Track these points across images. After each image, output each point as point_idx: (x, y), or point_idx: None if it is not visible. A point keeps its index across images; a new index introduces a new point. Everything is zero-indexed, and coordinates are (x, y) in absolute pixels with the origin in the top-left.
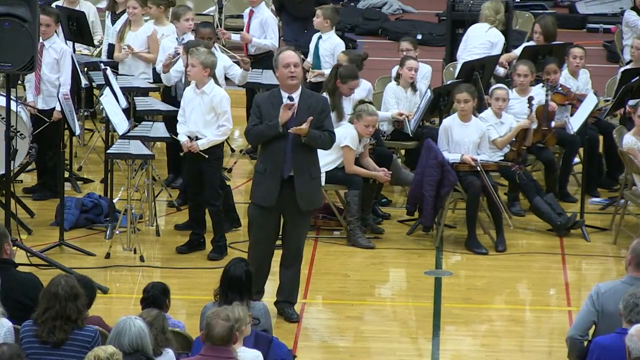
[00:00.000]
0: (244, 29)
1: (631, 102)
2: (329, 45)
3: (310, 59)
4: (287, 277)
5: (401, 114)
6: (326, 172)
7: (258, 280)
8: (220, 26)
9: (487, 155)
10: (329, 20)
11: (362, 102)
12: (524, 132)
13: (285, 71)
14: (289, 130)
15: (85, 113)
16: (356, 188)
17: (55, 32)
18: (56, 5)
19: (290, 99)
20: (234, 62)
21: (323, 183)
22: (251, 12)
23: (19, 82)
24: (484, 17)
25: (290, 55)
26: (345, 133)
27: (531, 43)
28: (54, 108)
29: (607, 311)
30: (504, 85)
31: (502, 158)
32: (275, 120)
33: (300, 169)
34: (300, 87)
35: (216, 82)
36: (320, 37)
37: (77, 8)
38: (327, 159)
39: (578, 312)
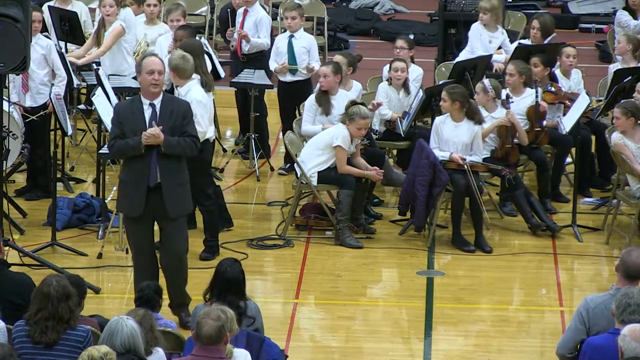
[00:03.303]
0: (238, 28)
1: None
2: (306, 43)
3: (284, 59)
4: (174, 287)
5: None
6: (319, 172)
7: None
8: (213, 27)
9: (478, 157)
10: (304, 19)
11: (354, 102)
12: (505, 130)
13: (149, 78)
14: (142, 142)
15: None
16: (349, 188)
17: (47, 30)
18: (48, 6)
19: (152, 105)
20: (220, 62)
21: (315, 183)
22: (245, 12)
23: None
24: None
25: (155, 62)
26: (337, 133)
27: (524, 42)
28: (42, 105)
29: (599, 327)
30: (483, 80)
31: (488, 156)
32: (137, 139)
33: (167, 176)
34: (162, 94)
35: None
36: (292, 36)
37: (70, 8)
38: (319, 159)
39: (567, 327)
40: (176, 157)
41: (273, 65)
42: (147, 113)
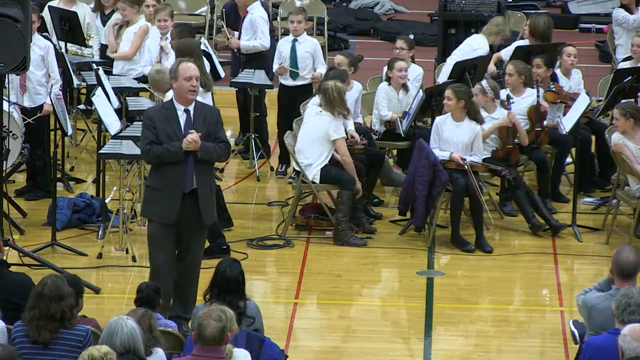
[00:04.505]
0: (239, 28)
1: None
2: (310, 47)
3: (286, 63)
4: (189, 293)
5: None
6: (320, 170)
7: (167, 302)
8: (213, 27)
9: (478, 157)
10: (308, 23)
11: (332, 68)
12: (506, 131)
13: (187, 84)
14: (182, 147)
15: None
16: (349, 189)
17: (47, 30)
18: (49, 6)
19: (187, 111)
20: (220, 62)
21: (317, 182)
22: (245, 12)
23: None
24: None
25: (192, 68)
26: (334, 126)
27: (523, 42)
28: (40, 106)
29: (598, 325)
30: (481, 81)
31: (489, 156)
32: (177, 145)
33: (202, 183)
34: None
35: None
36: (295, 40)
37: (74, 9)
38: (322, 157)
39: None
40: (209, 164)
41: (275, 67)
42: (182, 119)
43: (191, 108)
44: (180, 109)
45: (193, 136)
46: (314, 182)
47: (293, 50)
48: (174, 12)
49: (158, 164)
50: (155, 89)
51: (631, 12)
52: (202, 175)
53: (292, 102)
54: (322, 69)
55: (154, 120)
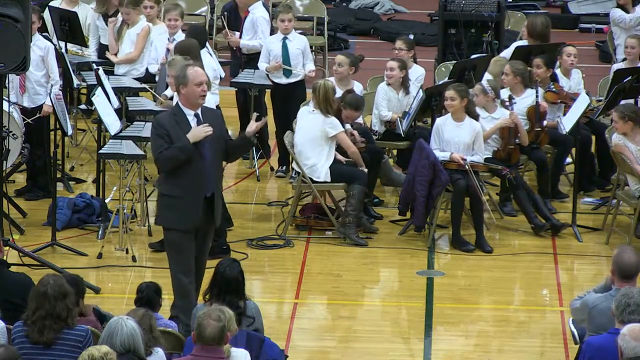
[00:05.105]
0: (239, 28)
1: (623, 102)
2: (300, 44)
3: (278, 61)
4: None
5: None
6: (330, 168)
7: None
8: (213, 27)
9: (480, 157)
10: (295, 21)
11: (349, 91)
12: (508, 131)
13: (198, 90)
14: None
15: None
16: (361, 183)
17: (47, 30)
18: (49, 6)
19: (197, 115)
20: (220, 62)
21: (329, 180)
22: (246, 12)
23: None
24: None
25: (202, 73)
26: (331, 123)
27: (522, 42)
28: (40, 106)
29: (598, 325)
30: (482, 82)
31: (490, 156)
32: (182, 140)
33: (217, 185)
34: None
35: None
36: (286, 38)
37: (75, 10)
38: (324, 154)
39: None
40: (220, 167)
41: (263, 66)
42: (193, 123)
43: (199, 112)
44: (189, 113)
45: (206, 128)
46: (325, 182)
47: (285, 48)
48: None
49: (173, 167)
50: None
51: (627, 12)
52: (217, 179)
53: (286, 100)
54: (310, 66)
55: (166, 128)
